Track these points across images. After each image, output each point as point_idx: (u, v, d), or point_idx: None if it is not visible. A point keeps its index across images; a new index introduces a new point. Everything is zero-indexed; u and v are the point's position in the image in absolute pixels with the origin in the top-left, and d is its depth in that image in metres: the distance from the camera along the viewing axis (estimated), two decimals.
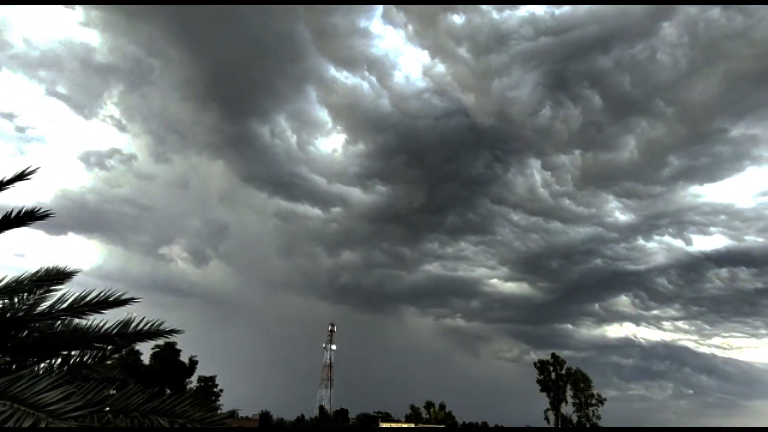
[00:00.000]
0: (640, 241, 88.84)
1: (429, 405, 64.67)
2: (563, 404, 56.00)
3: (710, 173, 76.90)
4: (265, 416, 55.39)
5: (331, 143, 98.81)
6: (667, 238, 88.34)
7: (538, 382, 57.69)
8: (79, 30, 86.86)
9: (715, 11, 59.71)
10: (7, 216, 4.26)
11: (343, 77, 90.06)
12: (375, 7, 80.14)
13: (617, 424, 55.39)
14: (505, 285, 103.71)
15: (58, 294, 5.61)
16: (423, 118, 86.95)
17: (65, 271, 5.92)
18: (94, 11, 78.28)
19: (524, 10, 70.96)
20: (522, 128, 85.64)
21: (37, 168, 4.34)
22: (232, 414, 48.58)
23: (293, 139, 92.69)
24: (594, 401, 55.45)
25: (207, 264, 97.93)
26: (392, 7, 77.03)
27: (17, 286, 5.62)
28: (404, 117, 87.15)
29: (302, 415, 64.52)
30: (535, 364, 59.12)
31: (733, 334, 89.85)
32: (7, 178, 4.34)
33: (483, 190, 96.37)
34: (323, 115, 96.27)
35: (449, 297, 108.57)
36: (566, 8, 67.26)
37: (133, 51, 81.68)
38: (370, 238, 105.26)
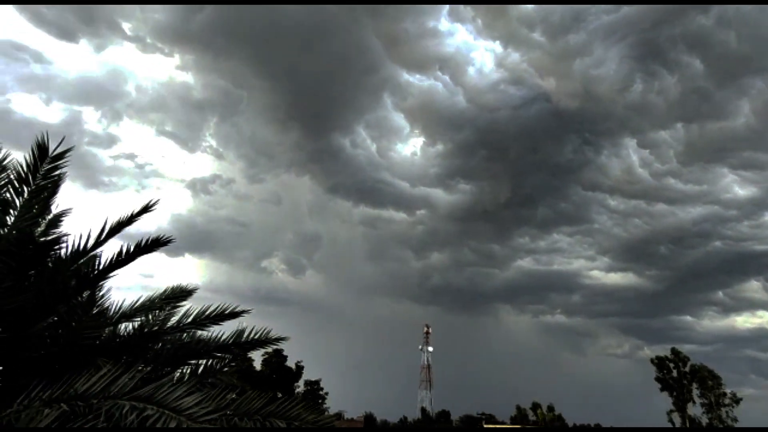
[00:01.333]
0: (767, 217, 77.87)
1: (535, 406, 62.11)
2: (690, 404, 50.62)
3: None
4: (369, 418, 57.01)
5: (411, 147, 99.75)
6: None
7: (657, 380, 52.75)
8: (177, 73, 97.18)
9: None
10: (139, 244, 4.97)
11: (417, 80, 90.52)
12: (441, 7, 79.57)
13: (759, 425, 48.82)
14: (607, 276, 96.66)
15: (183, 309, 6.35)
16: (501, 109, 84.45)
17: (187, 289, 6.69)
18: (188, 55, 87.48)
19: None
20: (612, 107, 79.66)
21: (158, 201, 5.11)
22: (339, 416, 50.70)
23: (373, 147, 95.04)
24: (728, 401, 49.44)
25: (303, 274, 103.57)
26: (458, 5, 75.87)
27: (151, 304, 6.45)
28: (481, 111, 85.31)
29: (405, 417, 65.37)
30: (652, 360, 54.13)
31: None
32: (137, 211, 5.15)
33: (574, 177, 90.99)
34: (400, 120, 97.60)
35: (546, 292, 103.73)
36: None
37: (222, 85, 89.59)
38: (458, 237, 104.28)
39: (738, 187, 79.15)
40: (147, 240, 5.15)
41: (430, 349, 72.94)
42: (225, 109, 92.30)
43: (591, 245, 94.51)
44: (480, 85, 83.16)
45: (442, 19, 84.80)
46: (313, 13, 78.10)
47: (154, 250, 5.15)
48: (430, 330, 73.54)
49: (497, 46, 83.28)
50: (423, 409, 67.95)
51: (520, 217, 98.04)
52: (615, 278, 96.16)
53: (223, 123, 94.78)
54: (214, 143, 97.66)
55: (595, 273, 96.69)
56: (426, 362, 72.97)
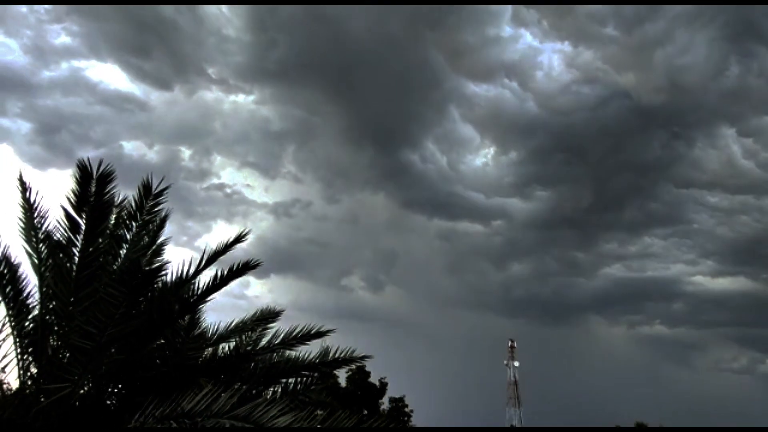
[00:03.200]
0: None
1: (641, 427, 56.66)
2: None
3: None
4: None
5: (482, 157, 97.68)
6: None
7: None
8: (256, 108, 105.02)
9: None
10: (231, 269, 5.35)
11: (483, 90, 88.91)
12: (503, 12, 77.96)
13: None
14: (714, 281, 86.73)
15: (272, 330, 6.68)
16: (577, 111, 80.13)
17: (275, 311, 7.04)
18: (266, 89, 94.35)
19: None
20: (704, 96, 72.46)
21: (249, 231, 5.58)
22: None
23: (444, 160, 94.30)
24: None
25: (383, 290, 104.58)
26: (521, 7, 74.09)
27: (243, 326, 6.86)
28: (554, 115, 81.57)
29: None
30: None
31: None
32: (231, 240, 5.62)
33: (664, 174, 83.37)
34: (469, 131, 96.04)
35: (642, 301, 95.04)
36: None
37: (298, 114, 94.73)
38: (538, 246, 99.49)
39: None
40: (238, 264, 5.52)
41: (516, 364, 69.90)
42: (301, 136, 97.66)
43: (691, 248, 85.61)
44: (550, 88, 79.82)
45: (503, 25, 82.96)
46: (374, 35, 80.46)
47: (244, 274, 5.49)
48: (515, 345, 70.60)
49: (566, 47, 79.64)
50: (512, 427, 64.95)
51: (606, 222, 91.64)
52: (724, 283, 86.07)
53: (300, 150, 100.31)
54: (293, 169, 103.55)
55: (699, 278, 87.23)
56: (513, 378, 69.98)
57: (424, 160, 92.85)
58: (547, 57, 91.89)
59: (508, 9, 74.21)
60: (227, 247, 5.60)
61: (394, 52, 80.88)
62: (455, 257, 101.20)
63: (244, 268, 5.44)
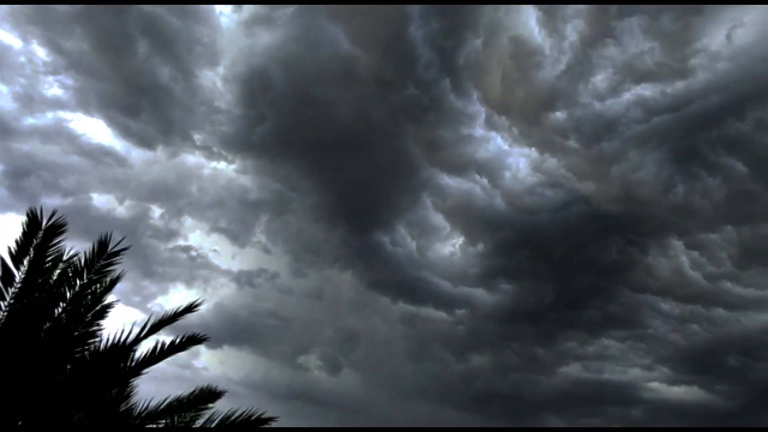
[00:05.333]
0: None
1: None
2: None
3: None
4: None
5: (450, 247, 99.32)
6: None
7: None
8: (236, 176, 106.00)
9: None
10: (173, 342, 5.00)
11: (455, 183, 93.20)
12: (477, 114, 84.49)
13: None
14: (670, 390, 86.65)
15: (209, 412, 6.13)
16: (541, 212, 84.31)
17: (216, 391, 6.50)
18: (248, 161, 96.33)
19: (626, 94, 68.51)
20: (655, 209, 78.10)
21: (202, 301, 5.34)
22: None
23: (413, 245, 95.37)
24: None
25: (340, 372, 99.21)
26: (493, 114, 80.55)
27: (178, 405, 6.26)
28: (521, 213, 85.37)
29: None
30: None
31: None
32: (180, 310, 5.34)
33: (621, 278, 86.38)
34: (440, 220, 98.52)
35: (600, 404, 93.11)
36: (679, 84, 63.79)
37: (276, 187, 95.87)
38: (500, 339, 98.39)
39: None
40: (183, 337, 5.19)
41: None
42: (277, 207, 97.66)
43: (646, 352, 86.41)
44: (517, 188, 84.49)
45: (477, 127, 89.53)
46: (358, 121, 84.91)
47: (187, 348, 5.15)
48: None
49: (533, 153, 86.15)
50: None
51: (566, 320, 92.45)
52: (679, 392, 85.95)
53: (273, 220, 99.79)
54: (263, 239, 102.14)
55: (655, 385, 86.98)
56: None
57: (395, 243, 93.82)
58: (515, 160, 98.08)
59: (482, 112, 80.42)
60: (175, 316, 5.29)
61: (375, 139, 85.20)
62: (417, 344, 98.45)
63: (189, 341, 5.10)
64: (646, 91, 75.40)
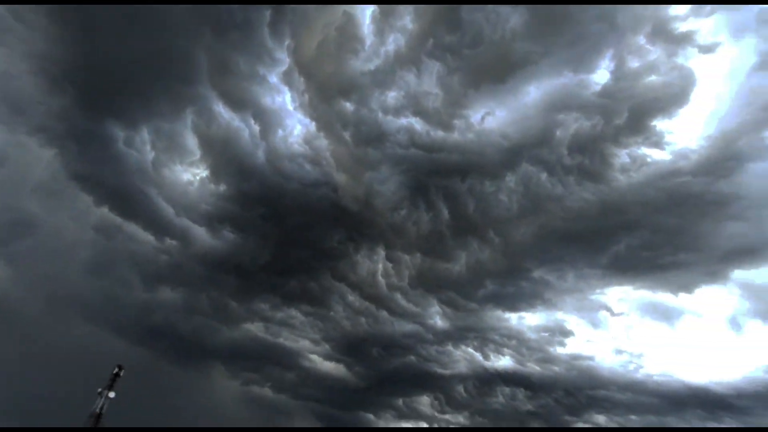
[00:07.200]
0: (450, 348, 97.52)
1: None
2: None
3: (512, 303, 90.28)
4: None
5: (191, 175, 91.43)
6: (471, 350, 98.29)
7: None
8: None
9: (544, 175, 74.26)
10: None
11: (228, 116, 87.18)
12: (281, 62, 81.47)
13: None
14: (324, 363, 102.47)
15: None
16: (293, 180, 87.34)
17: None
18: None
19: (404, 119, 78.95)
20: (380, 219, 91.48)
21: None
22: None
23: (151, 155, 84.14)
24: None
25: None
26: (295, 70, 79.66)
27: None
28: (275, 174, 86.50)
29: None
30: None
31: None
32: None
33: (330, 264, 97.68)
34: (192, 144, 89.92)
35: (265, 363, 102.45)
36: (439, 133, 77.11)
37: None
38: (200, 282, 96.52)
39: (439, 318, 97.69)
40: None
41: (112, 395, 61.84)
42: None
43: (320, 330, 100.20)
44: (282, 149, 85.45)
45: (274, 74, 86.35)
46: None
47: None
48: (122, 373, 62.98)
49: (312, 125, 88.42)
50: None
51: (269, 284, 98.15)
52: (329, 367, 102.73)
53: None
54: None
55: (315, 357, 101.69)
56: (99, 410, 61.06)
57: (129, 144, 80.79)
58: (293, 123, 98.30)
59: (286, 63, 78.10)
60: None
61: (164, 22, 71.77)
62: (105, 258, 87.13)
63: None
64: (418, 125, 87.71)
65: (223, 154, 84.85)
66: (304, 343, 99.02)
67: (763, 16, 56.54)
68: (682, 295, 75.39)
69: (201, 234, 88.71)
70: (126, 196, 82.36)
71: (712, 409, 71.33)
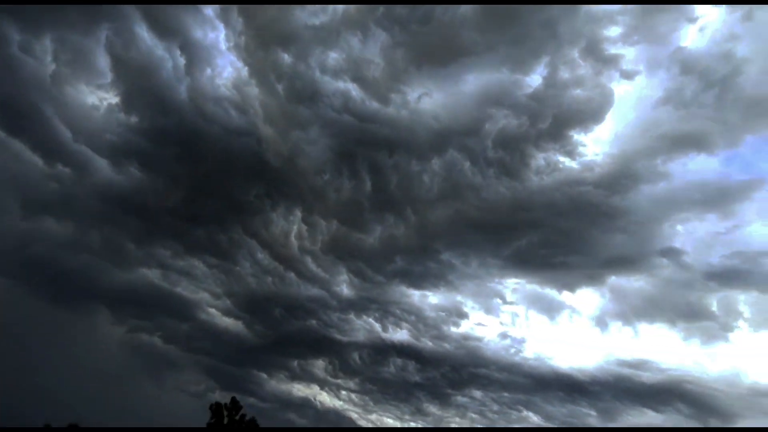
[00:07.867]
0: (352, 316, 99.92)
1: (73, 427, 54.09)
2: None
3: (418, 281, 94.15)
4: None
5: (98, 100, 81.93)
6: (371, 321, 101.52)
7: (209, 426, 55.42)
8: None
9: (467, 164, 77.19)
10: None
11: (151, 42, 78.74)
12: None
13: None
14: (223, 319, 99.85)
15: None
16: (215, 124, 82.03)
17: None
18: None
19: (341, 82, 76.90)
20: (302, 180, 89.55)
21: None
22: None
23: (51, 67, 73.97)
24: None
25: None
26: (234, 8, 73.87)
27: None
28: (196, 114, 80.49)
29: None
30: (211, 406, 56.97)
31: (386, 414, 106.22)
32: None
33: (243, 218, 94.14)
34: (104, 64, 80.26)
35: (159, 312, 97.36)
36: (375, 104, 76.49)
37: None
38: (94, 216, 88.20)
39: (345, 287, 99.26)
40: None
41: None
42: None
43: (223, 283, 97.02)
44: (208, 89, 79.57)
45: (211, 9, 79.22)
46: None
47: None
48: None
49: (244, 70, 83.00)
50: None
51: (175, 228, 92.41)
52: (228, 322, 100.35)
53: None
54: None
55: (213, 311, 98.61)
56: None
57: (26, 50, 70.24)
58: (224, 63, 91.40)
59: None
60: None
61: None
62: None
63: None
64: (354, 92, 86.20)
65: (139, 83, 77.01)
66: (204, 296, 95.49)
67: (677, 55, 62.44)
68: (565, 292, 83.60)
69: (102, 166, 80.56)
70: (14, 108, 72.25)
71: (570, 392, 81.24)
